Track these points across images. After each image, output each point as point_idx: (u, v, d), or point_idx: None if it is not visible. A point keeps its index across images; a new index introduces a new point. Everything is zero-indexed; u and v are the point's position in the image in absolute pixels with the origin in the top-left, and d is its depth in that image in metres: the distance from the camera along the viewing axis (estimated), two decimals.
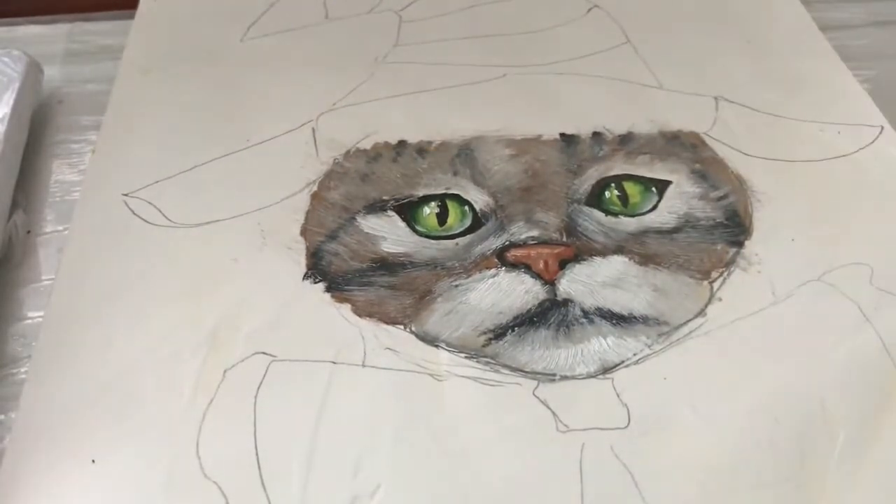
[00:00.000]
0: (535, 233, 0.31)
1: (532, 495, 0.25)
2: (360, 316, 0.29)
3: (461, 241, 0.31)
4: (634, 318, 0.29)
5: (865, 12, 0.45)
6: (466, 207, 0.32)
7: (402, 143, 0.34)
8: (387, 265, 0.30)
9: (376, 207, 0.32)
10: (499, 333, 0.29)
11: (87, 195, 0.33)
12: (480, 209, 0.32)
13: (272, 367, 0.28)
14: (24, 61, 0.36)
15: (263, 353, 0.28)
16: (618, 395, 0.27)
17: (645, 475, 0.25)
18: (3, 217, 0.33)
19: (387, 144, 0.34)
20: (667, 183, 0.33)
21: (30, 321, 0.31)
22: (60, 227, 0.34)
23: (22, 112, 0.35)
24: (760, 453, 0.26)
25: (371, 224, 0.32)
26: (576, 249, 0.30)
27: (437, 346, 0.29)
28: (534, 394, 0.27)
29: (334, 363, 0.28)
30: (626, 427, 0.26)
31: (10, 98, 0.35)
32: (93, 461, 0.26)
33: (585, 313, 0.29)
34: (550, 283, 0.29)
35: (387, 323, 0.29)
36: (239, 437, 0.26)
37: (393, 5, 0.41)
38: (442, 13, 0.41)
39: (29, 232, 0.34)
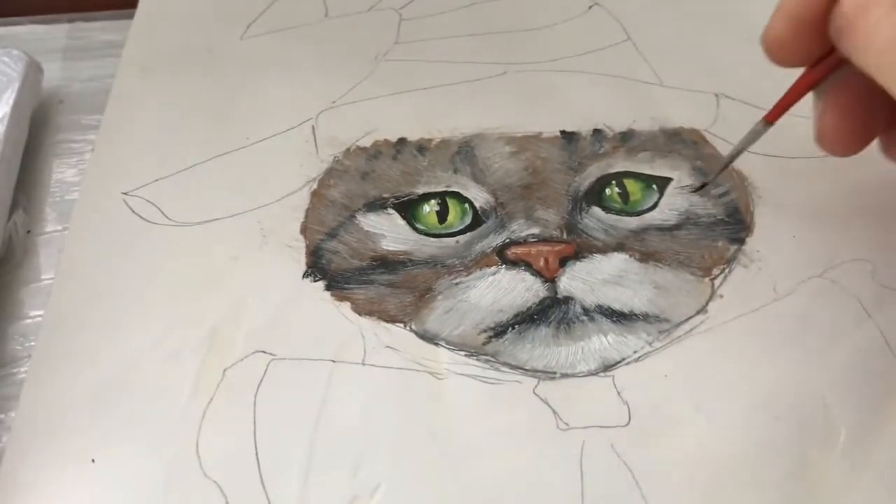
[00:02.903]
0: (535, 230, 0.31)
1: (532, 493, 0.25)
2: (359, 314, 0.29)
3: (461, 238, 0.31)
4: (635, 315, 0.29)
5: None
6: (466, 205, 0.32)
7: (402, 141, 0.34)
8: (387, 263, 0.30)
9: (376, 205, 0.32)
10: (499, 331, 0.29)
11: (86, 194, 0.33)
12: (481, 207, 0.32)
13: (272, 365, 0.28)
14: (24, 61, 0.36)
15: (263, 351, 0.28)
16: (618, 393, 0.27)
17: (645, 473, 0.25)
18: (3, 217, 0.33)
19: (387, 142, 0.34)
20: (668, 180, 0.33)
21: (30, 321, 0.31)
22: (60, 227, 0.34)
23: (22, 112, 0.35)
24: (761, 451, 0.26)
25: (371, 222, 0.32)
26: (576, 247, 0.30)
27: (437, 344, 0.28)
28: (534, 392, 0.27)
29: (334, 361, 0.28)
30: (626, 425, 0.26)
31: (9, 98, 0.35)
32: (92, 460, 0.26)
33: (586, 311, 0.29)
34: (551, 280, 0.29)
35: (387, 321, 0.29)
36: (239, 436, 0.26)
37: (393, 3, 0.41)
38: (442, 11, 0.40)
39: (29, 232, 0.34)
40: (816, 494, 0.25)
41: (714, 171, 0.32)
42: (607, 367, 0.28)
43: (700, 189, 0.32)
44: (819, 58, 0.24)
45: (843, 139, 0.25)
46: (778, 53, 0.24)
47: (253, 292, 0.30)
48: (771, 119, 0.27)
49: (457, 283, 0.30)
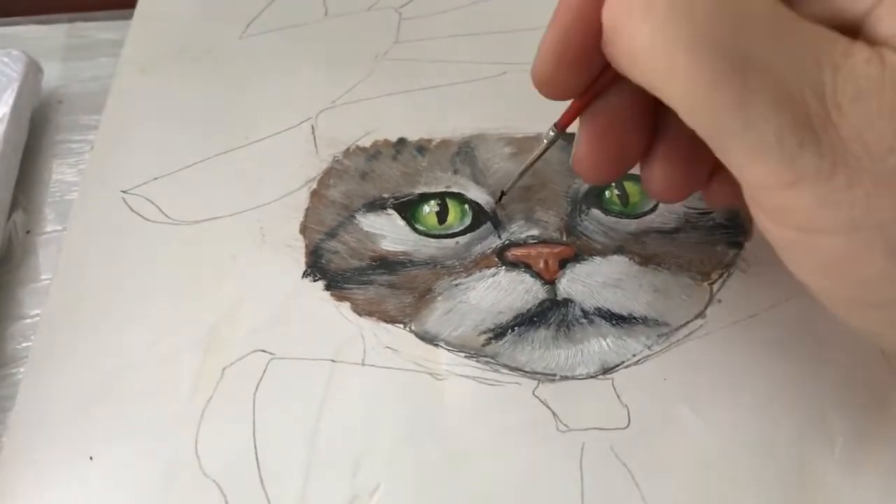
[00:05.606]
0: (535, 232, 0.31)
1: (532, 495, 0.25)
2: (359, 314, 0.29)
3: (461, 239, 0.31)
4: (634, 318, 0.29)
5: None
6: (466, 206, 0.32)
7: (401, 141, 0.34)
8: (386, 263, 0.30)
9: (376, 205, 0.32)
10: (499, 333, 0.29)
11: (85, 192, 0.33)
12: (480, 208, 0.32)
13: (271, 365, 0.28)
14: (24, 61, 0.36)
15: (262, 350, 0.28)
16: (618, 396, 0.27)
17: (645, 475, 0.25)
18: (3, 217, 0.33)
19: (386, 142, 0.34)
20: None
21: (30, 321, 0.31)
22: (60, 227, 0.34)
23: (22, 112, 0.35)
24: (759, 454, 0.26)
25: (370, 222, 0.32)
26: (576, 249, 0.30)
27: (436, 345, 0.29)
28: (534, 394, 0.27)
29: (334, 361, 0.28)
30: (626, 427, 0.26)
31: (9, 98, 0.35)
32: (91, 458, 0.26)
33: (585, 313, 0.29)
34: (550, 282, 0.29)
35: (386, 321, 0.29)
36: (238, 436, 0.26)
37: (393, 3, 0.41)
38: (442, 10, 0.40)
39: (29, 232, 0.34)
40: (814, 497, 0.25)
41: None
42: (607, 370, 0.28)
43: (500, 199, 0.31)
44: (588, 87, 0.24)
45: (595, 167, 0.25)
46: (545, 89, 0.24)
47: (252, 291, 0.30)
48: (560, 128, 0.27)
49: (456, 284, 0.30)
